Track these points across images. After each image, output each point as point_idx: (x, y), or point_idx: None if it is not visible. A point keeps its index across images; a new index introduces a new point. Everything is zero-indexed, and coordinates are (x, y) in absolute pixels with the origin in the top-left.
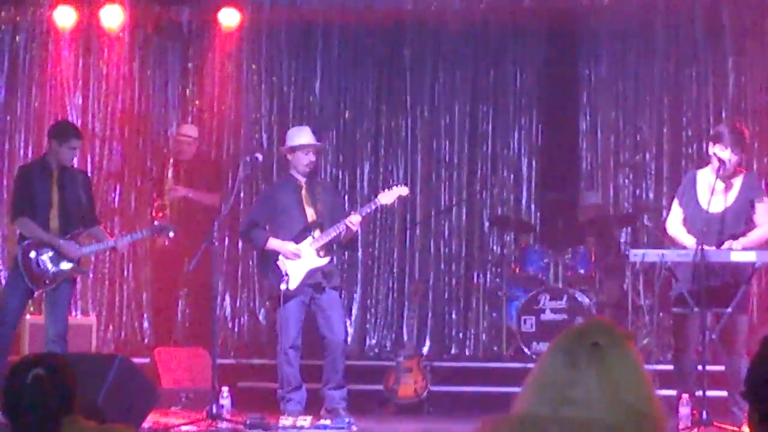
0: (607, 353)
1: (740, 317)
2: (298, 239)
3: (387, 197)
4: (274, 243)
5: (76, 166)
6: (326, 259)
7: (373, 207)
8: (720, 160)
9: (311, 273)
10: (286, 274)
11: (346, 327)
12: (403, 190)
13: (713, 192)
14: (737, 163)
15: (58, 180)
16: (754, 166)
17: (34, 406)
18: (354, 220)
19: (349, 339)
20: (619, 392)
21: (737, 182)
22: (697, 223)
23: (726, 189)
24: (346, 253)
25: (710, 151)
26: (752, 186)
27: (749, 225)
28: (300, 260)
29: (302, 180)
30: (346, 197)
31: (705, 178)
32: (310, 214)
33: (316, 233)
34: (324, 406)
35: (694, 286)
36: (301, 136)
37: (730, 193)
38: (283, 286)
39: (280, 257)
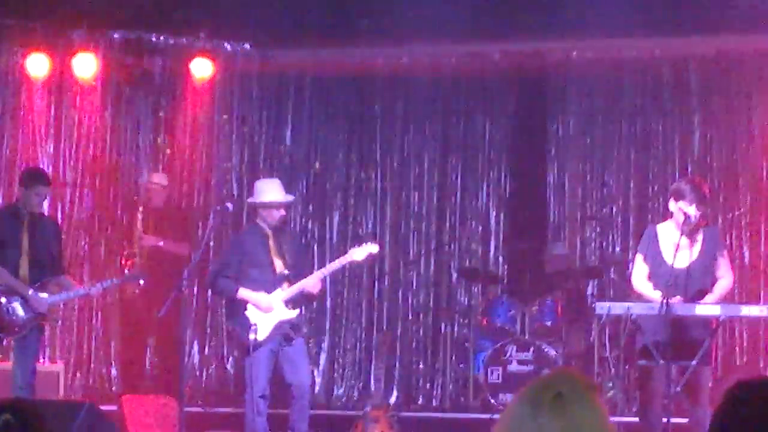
0: (569, 403)
1: (704, 369)
2: (268, 290)
3: (358, 254)
4: (244, 293)
5: (46, 214)
6: (296, 312)
7: (344, 262)
8: (686, 215)
9: (280, 325)
10: (255, 325)
11: (311, 374)
12: (374, 248)
13: (678, 248)
14: (700, 217)
15: (29, 227)
16: (719, 221)
17: None
18: (311, 284)
19: (316, 388)
20: None
21: (699, 236)
22: (663, 278)
23: (690, 244)
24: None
25: (671, 207)
26: (714, 240)
27: (713, 278)
28: (270, 312)
29: (269, 230)
30: (315, 247)
31: (666, 232)
32: (279, 265)
33: (285, 285)
34: None
35: (660, 339)
36: (271, 191)
37: (694, 248)
38: (252, 336)
39: (249, 307)
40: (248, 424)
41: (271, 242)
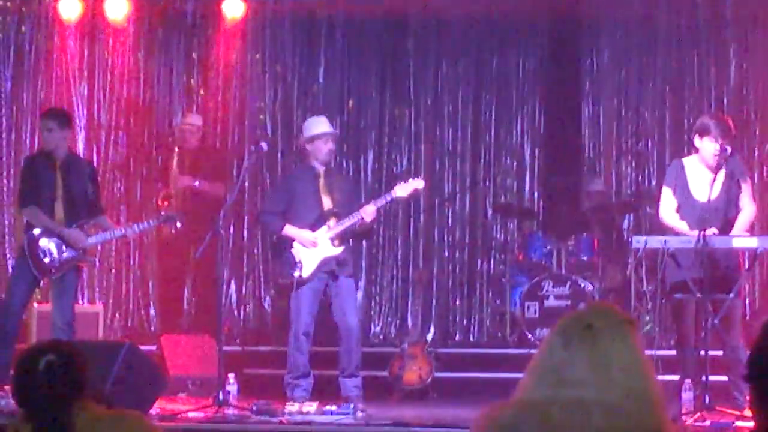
0: (600, 335)
1: (738, 302)
2: (313, 227)
3: (403, 190)
4: (290, 230)
5: (82, 156)
6: (340, 249)
7: (389, 199)
8: (714, 151)
9: (325, 261)
10: (300, 262)
11: (357, 314)
12: (419, 183)
13: (712, 183)
14: (726, 151)
15: (62, 170)
16: (755, 153)
17: (47, 392)
18: (369, 210)
19: None
20: (612, 374)
21: (723, 168)
22: (693, 212)
23: (715, 177)
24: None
25: (697, 144)
26: (738, 169)
27: (738, 209)
28: (315, 249)
29: (321, 169)
30: None
31: (693, 166)
32: (327, 203)
33: (332, 222)
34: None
35: (696, 273)
36: (320, 125)
37: (717, 180)
38: (296, 274)
39: (295, 245)
40: (290, 360)
41: (321, 180)
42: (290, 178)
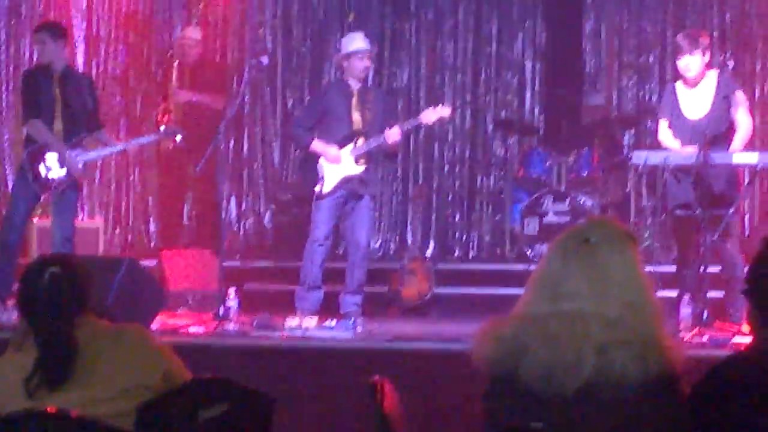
0: (598, 249)
1: (736, 218)
2: (341, 145)
3: (429, 116)
4: (316, 145)
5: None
6: (362, 168)
7: (414, 124)
8: (685, 67)
9: (347, 179)
10: (323, 177)
11: (369, 233)
12: (446, 111)
13: (700, 99)
14: (702, 64)
15: (60, 83)
16: (757, 68)
17: (51, 303)
18: (392, 133)
19: None
20: (609, 287)
21: (710, 81)
22: (684, 130)
23: (703, 91)
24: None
25: (678, 65)
26: (727, 84)
27: (730, 123)
28: (338, 165)
29: (356, 87)
30: None
31: (683, 88)
32: (357, 121)
33: (359, 141)
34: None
35: (696, 189)
36: (355, 41)
37: (705, 96)
38: (317, 188)
39: (321, 159)
40: (302, 270)
41: (354, 98)
42: (325, 94)
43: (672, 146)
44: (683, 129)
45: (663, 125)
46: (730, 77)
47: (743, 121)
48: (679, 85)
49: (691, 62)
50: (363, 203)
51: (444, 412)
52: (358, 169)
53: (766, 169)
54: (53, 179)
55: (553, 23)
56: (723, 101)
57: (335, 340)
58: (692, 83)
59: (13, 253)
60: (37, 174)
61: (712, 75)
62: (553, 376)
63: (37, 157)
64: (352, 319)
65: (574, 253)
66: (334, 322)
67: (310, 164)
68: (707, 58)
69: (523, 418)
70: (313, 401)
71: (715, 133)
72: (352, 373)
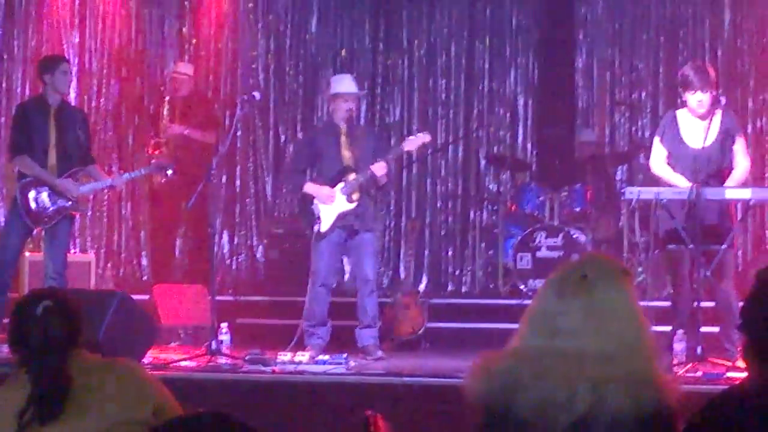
0: (594, 285)
1: (731, 252)
2: (333, 183)
3: (411, 144)
4: (309, 188)
5: (73, 104)
6: (354, 204)
7: (398, 153)
8: (696, 104)
9: (341, 216)
10: (319, 217)
11: (375, 267)
12: (426, 137)
13: (707, 130)
14: (712, 100)
15: (56, 117)
16: (749, 104)
17: (44, 337)
18: (378, 167)
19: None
20: (606, 323)
21: (716, 118)
22: (686, 159)
23: (708, 126)
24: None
25: (684, 96)
26: (732, 123)
27: (730, 159)
28: (332, 204)
29: (343, 126)
30: None
31: (686, 117)
32: (347, 157)
33: (350, 177)
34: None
35: (689, 224)
36: (339, 84)
37: (711, 130)
38: (315, 228)
39: (315, 200)
40: (306, 309)
41: (343, 137)
42: (314, 135)
43: (664, 176)
44: (684, 157)
45: (656, 143)
46: (734, 117)
47: (741, 162)
48: (681, 113)
49: (704, 99)
50: (365, 238)
51: None
52: (351, 205)
53: (759, 204)
54: (46, 213)
55: (546, 59)
56: (727, 137)
57: (328, 374)
58: (700, 116)
59: (4, 288)
60: (29, 208)
61: (717, 109)
62: (547, 411)
63: (29, 191)
64: (346, 354)
65: (572, 290)
66: (327, 357)
67: (306, 205)
68: (714, 92)
69: None
70: None
71: (718, 165)
72: (345, 408)
